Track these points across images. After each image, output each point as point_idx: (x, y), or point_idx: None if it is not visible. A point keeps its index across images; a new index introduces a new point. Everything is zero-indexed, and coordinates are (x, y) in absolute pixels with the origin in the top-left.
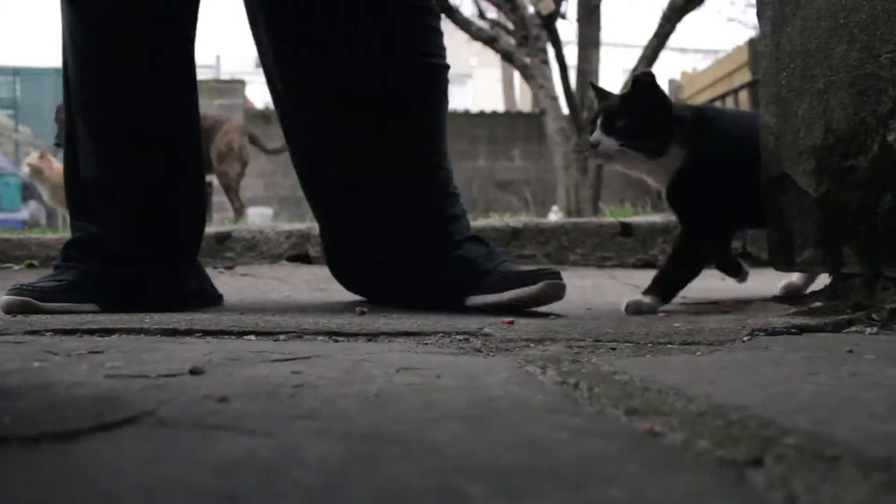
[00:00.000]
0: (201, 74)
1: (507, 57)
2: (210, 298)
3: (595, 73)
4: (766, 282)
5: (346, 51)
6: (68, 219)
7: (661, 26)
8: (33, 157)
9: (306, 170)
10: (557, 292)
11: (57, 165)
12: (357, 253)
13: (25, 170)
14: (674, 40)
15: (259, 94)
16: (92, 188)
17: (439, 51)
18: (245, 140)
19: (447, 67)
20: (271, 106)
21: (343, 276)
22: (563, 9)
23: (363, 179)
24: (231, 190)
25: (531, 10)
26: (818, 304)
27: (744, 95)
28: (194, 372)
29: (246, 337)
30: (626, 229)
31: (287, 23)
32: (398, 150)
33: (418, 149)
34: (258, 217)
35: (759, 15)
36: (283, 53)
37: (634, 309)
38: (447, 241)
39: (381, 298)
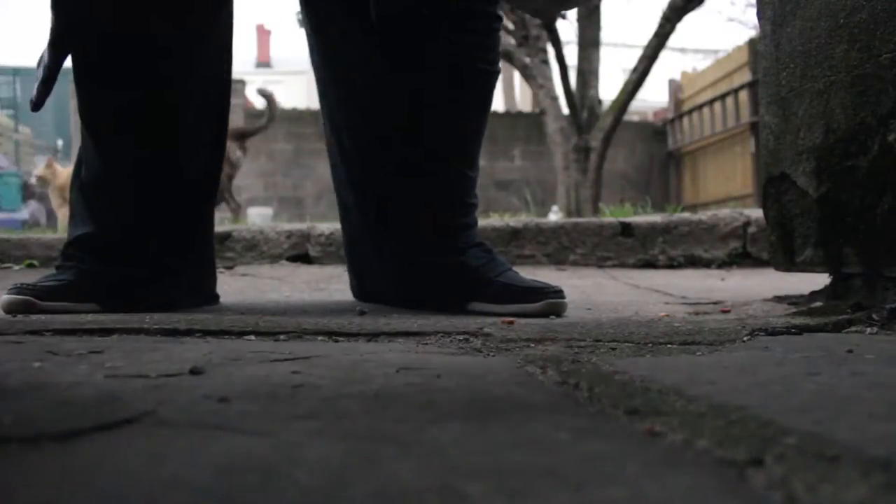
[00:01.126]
0: None
1: (507, 57)
2: (208, 298)
3: (595, 73)
4: (767, 282)
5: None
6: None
7: (661, 26)
8: (40, 168)
9: (336, 148)
10: (559, 311)
11: (63, 172)
12: (367, 252)
13: (33, 180)
14: (674, 40)
15: (258, 95)
16: (92, 187)
17: (497, 57)
18: (236, 145)
19: (499, 74)
20: None
21: (357, 283)
22: None
23: (386, 169)
24: (224, 191)
25: None
26: (818, 304)
27: (744, 95)
28: (194, 372)
29: (246, 337)
30: (627, 229)
31: None
32: (432, 147)
33: (453, 151)
34: (258, 217)
35: (759, 15)
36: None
37: None
38: (452, 247)
39: (382, 300)
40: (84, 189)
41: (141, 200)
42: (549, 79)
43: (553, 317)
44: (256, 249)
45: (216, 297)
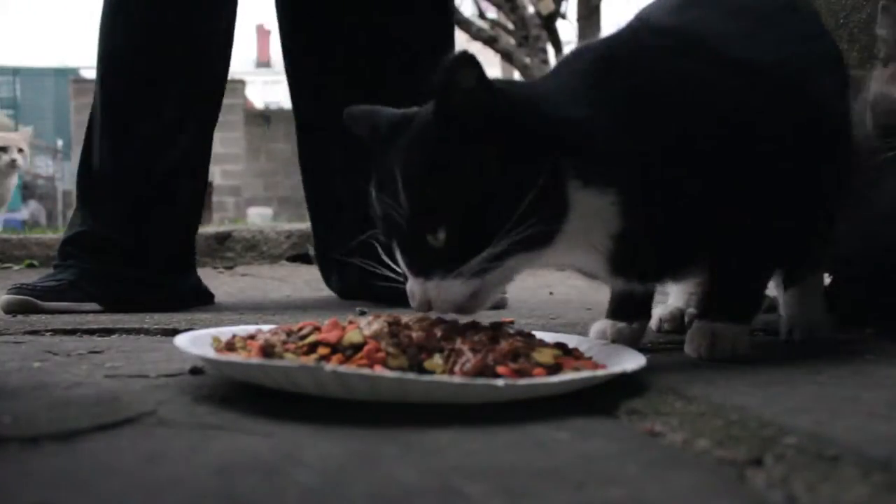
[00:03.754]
0: None
1: (507, 57)
2: (206, 297)
3: None
4: None
5: None
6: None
7: None
8: None
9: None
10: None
11: None
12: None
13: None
14: None
15: (259, 94)
16: (91, 187)
17: None
18: None
19: None
20: (271, 106)
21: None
22: (563, 9)
23: None
24: None
25: (531, 10)
26: None
27: None
28: (194, 372)
29: None
30: None
31: None
32: None
33: None
34: (258, 217)
35: None
36: None
37: None
38: None
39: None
40: (84, 188)
41: (138, 199)
42: None
43: (553, 317)
44: (256, 249)
45: (211, 296)
